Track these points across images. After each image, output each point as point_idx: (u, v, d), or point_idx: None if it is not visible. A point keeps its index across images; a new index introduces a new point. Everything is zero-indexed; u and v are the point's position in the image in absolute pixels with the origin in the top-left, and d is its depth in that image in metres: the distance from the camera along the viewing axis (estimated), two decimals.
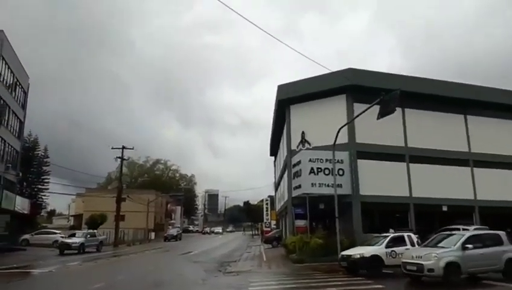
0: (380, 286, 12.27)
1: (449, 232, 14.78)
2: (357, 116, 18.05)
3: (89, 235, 31.63)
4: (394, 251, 15.25)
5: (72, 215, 74.11)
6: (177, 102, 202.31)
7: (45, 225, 56.63)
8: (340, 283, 13.21)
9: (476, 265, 12.28)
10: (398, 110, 23.84)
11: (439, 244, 13.13)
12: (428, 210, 25.44)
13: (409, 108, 25.32)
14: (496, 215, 24.58)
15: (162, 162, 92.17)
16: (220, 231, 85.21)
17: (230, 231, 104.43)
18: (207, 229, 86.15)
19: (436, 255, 12.01)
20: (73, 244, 28.91)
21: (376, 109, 17.42)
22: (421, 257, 12.22)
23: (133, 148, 43.28)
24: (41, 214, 76.96)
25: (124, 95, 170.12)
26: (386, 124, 22.89)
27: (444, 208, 25.05)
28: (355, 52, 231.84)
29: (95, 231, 35.74)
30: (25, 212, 33.63)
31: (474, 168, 26.16)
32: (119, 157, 42.39)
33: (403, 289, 12.70)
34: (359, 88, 23.86)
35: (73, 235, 32.11)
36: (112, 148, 42.84)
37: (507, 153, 26.86)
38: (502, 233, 13.78)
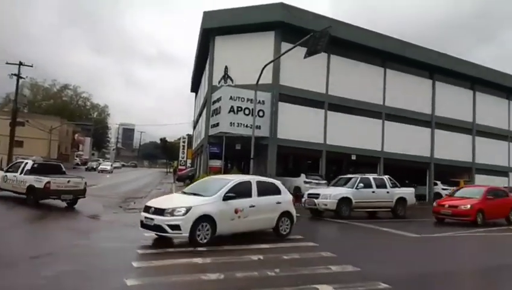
0: None
1: None
2: (285, 52, 17.24)
3: None
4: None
5: None
6: (90, 24, 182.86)
7: None
8: None
9: None
10: (324, 55, 23.56)
11: None
12: (339, 158, 26.48)
13: (335, 55, 25.04)
14: (397, 167, 26.39)
15: (71, 87, 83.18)
16: (108, 168, 54.83)
17: (132, 166, 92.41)
18: (93, 165, 58.51)
19: None
20: None
21: (303, 51, 16.64)
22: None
23: (32, 66, 37.63)
24: None
25: (24, 6, 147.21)
26: (311, 68, 22.66)
27: (353, 157, 26.17)
28: None
29: None
30: None
31: (386, 121, 27.43)
32: (15, 75, 36.74)
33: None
34: (289, 27, 22.74)
35: None
36: (7, 63, 36.98)
37: (416, 110, 28.59)
38: None
